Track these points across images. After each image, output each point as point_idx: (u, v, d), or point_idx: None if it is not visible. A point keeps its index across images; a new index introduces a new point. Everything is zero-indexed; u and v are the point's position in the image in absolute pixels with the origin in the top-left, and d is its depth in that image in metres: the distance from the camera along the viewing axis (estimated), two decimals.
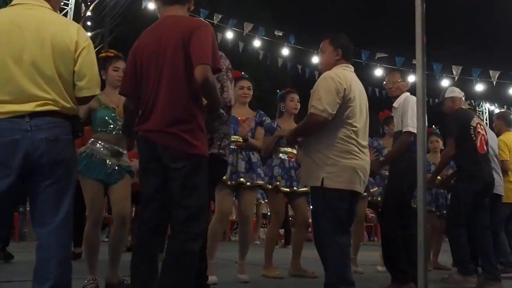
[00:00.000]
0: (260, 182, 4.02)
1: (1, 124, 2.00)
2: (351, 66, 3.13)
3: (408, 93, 3.83)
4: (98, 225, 3.29)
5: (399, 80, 3.91)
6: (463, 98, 4.61)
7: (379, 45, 12.32)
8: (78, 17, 14.16)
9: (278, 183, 4.28)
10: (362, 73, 9.81)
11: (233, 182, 3.87)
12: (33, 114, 2.02)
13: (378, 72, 11.60)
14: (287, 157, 4.42)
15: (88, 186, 3.21)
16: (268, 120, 4.30)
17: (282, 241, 9.41)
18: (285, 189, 4.32)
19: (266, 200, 9.73)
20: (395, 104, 3.82)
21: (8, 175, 1.99)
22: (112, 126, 3.26)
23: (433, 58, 11.35)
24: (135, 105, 2.49)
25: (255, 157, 4.06)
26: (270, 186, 4.32)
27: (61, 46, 2.10)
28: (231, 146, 3.67)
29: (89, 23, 14.85)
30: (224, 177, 3.70)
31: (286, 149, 4.41)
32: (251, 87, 4.16)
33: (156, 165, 2.36)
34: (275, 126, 4.38)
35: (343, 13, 22.10)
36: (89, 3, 14.64)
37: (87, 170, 3.18)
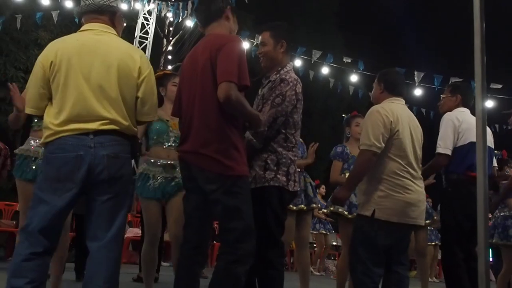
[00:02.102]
0: (319, 205, 4.00)
1: (68, 140, 2.17)
2: (399, 99, 3.13)
3: (457, 109, 3.63)
4: (155, 243, 3.36)
5: (445, 96, 3.76)
6: None
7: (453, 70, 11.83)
8: (159, 51, 15.00)
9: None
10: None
11: (305, 208, 3.85)
12: (97, 132, 2.18)
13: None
14: None
15: (144, 206, 3.34)
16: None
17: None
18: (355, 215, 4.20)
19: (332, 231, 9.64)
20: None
21: (71, 189, 2.14)
22: (165, 137, 3.36)
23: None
24: (182, 128, 2.52)
25: (312, 181, 4.06)
26: (350, 216, 4.12)
27: (126, 71, 2.27)
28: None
29: (169, 57, 15.57)
30: (301, 205, 3.74)
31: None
32: None
33: (194, 185, 2.38)
34: (347, 151, 4.22)
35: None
36: (171, 38, 15.44)
37: (143, 190, 3.31)
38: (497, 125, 11.39)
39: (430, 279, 8.55)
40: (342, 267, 4.41)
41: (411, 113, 3.19)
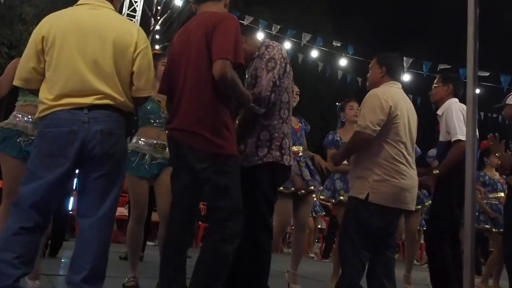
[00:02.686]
0: (321, 188, 4.00)
1: (62, 115, 2.14)
2: (398, 83, 3.13)
3: (453, 99, 3.66)
4: (141, 222, 3.35)
5: (436, 85, 3.77)
6: None
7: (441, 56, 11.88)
8: (147, 30, 14.80)
9: (342, 197, 4.17)
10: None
11: (303, 192, 3.84)
12: (91, 107, 2.15)
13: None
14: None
15: (132, 184, 3.31)
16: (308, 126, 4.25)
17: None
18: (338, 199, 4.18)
19: (324, 213, 9.72)
20: (438, 112, 3.69)
21: (63, 164, 2.11)
22: (155, 118, 3.34)
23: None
24: (171, 104, 2.49)
25: (311, 163, 4.03)
26: (334, 201, 4.24)
27: (122, 46, 2.24)
28: None
29: (157, 37, 15.39)
30: (293, 188, 3.73)
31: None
32: (299, 93, 4.12)
33: (183, 164, 2.36)
34: (337, 138, 4.27)
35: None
36: (158, 17, 15.23)
37: (131, 168, 3.27)
38: (482, 113, 11.52)
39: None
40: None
41: (408, 98, 3.18)
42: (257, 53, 2.74)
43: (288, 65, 2.73)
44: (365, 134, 2.90)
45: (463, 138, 3.32)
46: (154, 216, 5.19)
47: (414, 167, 3.05)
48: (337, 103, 4.84)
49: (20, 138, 2.90)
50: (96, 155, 2.14)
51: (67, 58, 2.19)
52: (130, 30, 2.31)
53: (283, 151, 2.65)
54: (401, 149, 2.93)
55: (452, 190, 3.43)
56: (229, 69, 2.21)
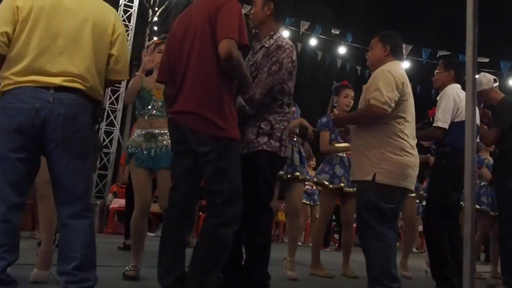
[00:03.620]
0: (308, 177, 3.98)
1: (27, 91, 2.06)
2: (400, 62, 3.07)
3: (454, 85, 3.63)
4: (145, 213, 3.35)
5: (438, 71, 3.75)
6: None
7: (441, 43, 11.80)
8: (145, 22, 14.70)
9: (342, 184, 4.16)
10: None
11: (288, 176, 3.84)
12: (58, 88, 2.08)
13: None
14: (346, 154, 4.27)
15: (134, 175, 3.32)
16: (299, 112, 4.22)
17: (336, 244, 9.35)
18: (350, 190, 4.15)
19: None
20: (438, 97, 3.68)
21: (21, 142, 2.03)
22: (148, 107, 3.33)
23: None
24: (171, 91, 2.44)
25: (303, 150, 4.03)
26: (331, 186, 4.21)
27: (101, 27, 2.20)
28: None
29: (155, 28, 15.30)
30: (281, 172, 3.71)
31: (342, 144, 4.22)
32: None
33: (185, 148, 2.34)
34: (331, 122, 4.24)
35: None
36: (156, 8, 15.13)
37: (133, 160, 3.31)
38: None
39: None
40: (316, 235, 4.51)
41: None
42: (268, 43, 2.73)
43: (295, 69, 2.74)
44: (382, 109, 2.80)
45: (441, 125, 3.33)
46: (154, 208, 5.19)
47: (415, 148, 2.98)
48: (334, 82, 4.79)
49: None
50: (57, 139, 2.06)
51: (40, 35, 2.11)
52: (108, 14, 2.28)
53: (282, 143, 2.68)
54: (405, 127, 2.87)
55: (446, 175, 3.43)
56: (235, 48, 2.20)
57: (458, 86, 3.64)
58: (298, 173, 3.86)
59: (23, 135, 2.04)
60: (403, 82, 2.87)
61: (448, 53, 9.90)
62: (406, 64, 10.66)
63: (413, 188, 2.97)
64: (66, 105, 2.08)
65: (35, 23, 2.11)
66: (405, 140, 2.85)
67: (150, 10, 15.13)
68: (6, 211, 2.02)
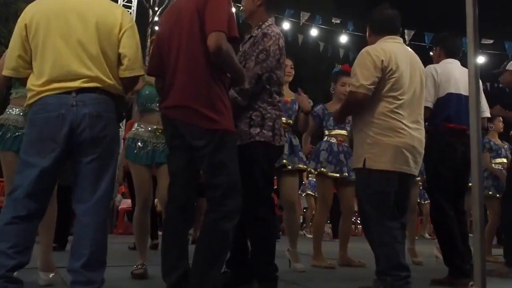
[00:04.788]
0: (302, 166, 3.91)
1: (49, 100, 2.12)
2: (395, 37, 2.94)
3: (446, 60, 3.53)
4: (147, 209, 3.33)
5: (432, 53, 3.70)
6: None
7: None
8: (145, 22, 14.69)
9: (323, 169, 4.14)
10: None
11: (276, 166, 3.80)
12: (79, 90, 2.13)
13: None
14: (336, 140, 4.26)
15: (134, 171, 3.31)
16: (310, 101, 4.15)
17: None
18: (334, 174, 4.16)
19: None
20: None
21: (54, 149, 2.09)
22: (154, 103, 3.30)
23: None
24: (163, 84, 2.42)
25: (296, 141, 3.97)
26: (314, 172, 4.21)
27: (106, 27, 2.21)
28: None
29: (156, 28, 15.25)
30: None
31: (335, 131, 4.26)
32: (293, 67, 4.07)
33: (180, 143, 2.32)
34: (326, 111, 4.28)
35: None
36: (156, 9, 15.10)
37: (133, 155, 3.28)
38: (488, 84, 11.31)
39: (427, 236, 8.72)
40: (318, 224, 4.47)
41: (411, 51, 2.98)
42: (255, 32, 2.71)
43: (282, 56, 2.71)
44: (359, 94, 2.72)
45: (426, 104, 3.15)
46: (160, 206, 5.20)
47: (418, 126, 2.82)
48: (336, 64, 4.70)
49: (11, 131, 2.86)
50: (86, 139, 2.11)
51: (51, 44, 2.17)
52: (114, 12, 2.27)
53: (275, 131, 2.65)
54: (397, 105, 2.72)
55: (433, 155, 3.31)
56: (224, 41, 2.17)
57: (448, 61, 3.52)
58: (285, 161, 3.76)
59: (55, 142, 2.10)
60: (382, 60, 2.72)
61: None
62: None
63: (414, 173, 2.81)
64: (89, 105, 2.13)
65: (45, 34, 2.18)
66: (396, 119, 2.70)
67: (150, 10, 15.11)
68: (25, 217, 2.08)
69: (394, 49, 2.82)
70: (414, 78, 2.85)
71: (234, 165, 2.29)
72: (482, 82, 3.31)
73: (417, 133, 2.80)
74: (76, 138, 2.11)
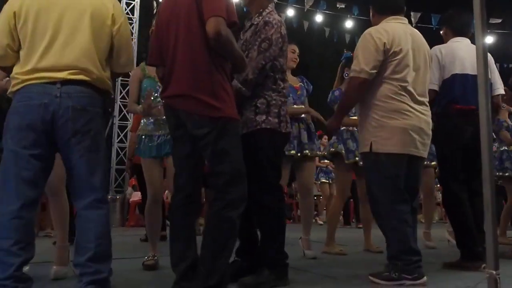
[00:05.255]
0: (320, 153, 3.92)
1: (34, 88, 2.08)
2: (399, 17, 2.88)
3: (453, 39, 3.45)
4: (158, 201, 3.36)
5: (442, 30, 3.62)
6: None
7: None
8: (150, 13, 14.64)
9: (357, 158, 4.03)
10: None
11: (298, 154, 3.78)
12: (65, 82, 2.09)
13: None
14: (357, 128, 4.22)
15: (144, 165, 3.33)
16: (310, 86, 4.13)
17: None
18: (351, 161, 4.13)
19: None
20: None
21: (34, 138, 2.04)
22: (155, 94, 3.28)
23: None
24: (163, 73, 2.39)
25: (312, 127, 3.96)
26: (346, 161, 4.12)
27: (99, 18, 2.18)
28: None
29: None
30: (292, 151, 3.69)
31: (354, 117, 4.05)
32: (299, 54, 4.01)
33: (183, 132, 2.30)
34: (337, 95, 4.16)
35: None
36: (160, 0, 15.03)
37: (142, 151, 3.32)
38: (497, 64, 11.14)
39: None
40: (333, 212, 4.44)
41: (415, 31, 2.92)
42: (256, 20, 2.68)
43: (285, 44, 2.69)
44: (360, 78, 2.69)
45: (431, 87, 3.10)
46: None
47: (426, 107, 2.79)
48: (345, 50, 4.57)
49: None
50: (67, 132, 2.06)
51: (41, 34, 2.12)
52: (106, 3, 2.24)
53: (281, 118, 2.63)
54: (400, 86, 2.69)
55: (440, 137, 3.31)
56: (223, 26, 2.14)
57: (456, 39, 3.44)
58: (307, 151, 3.78)
59: (35, 131, 2.05)
60: (384, 42, 2.68)
61: None
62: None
63: (422, 155, 2.78)
64: (74, 97, 2.08)
65: (35, 23, 2.12)
66: (401, 101, 2.67)
67: (154, 2, 15.05)
68: (20, 208, 2.03)
69: (397, 30, 2.78)
70: (419, 59, 2.80)
71: (237, 153, 2.26)
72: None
73: (423, 115, 2.77)
74: (58, 130, 2.06)
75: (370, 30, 2.81)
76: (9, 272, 1.95)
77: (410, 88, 2.72)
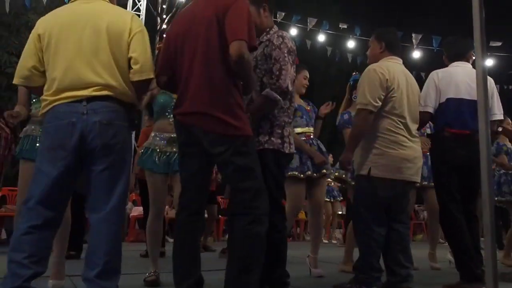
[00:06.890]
0: (332, 171, 4.04)
1: (61, 108, 2.15)
2: (397, 58, 3.17)
3: (452, 64, 3.56)
4: (160, 217, 3.37)
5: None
6: None
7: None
8: (153, 30, 14.79)
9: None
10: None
11: (317, 174, 3.82)
12: (90, 99, 2.15)
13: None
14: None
15: (150, 180, 3.32)
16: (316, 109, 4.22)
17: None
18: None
19: (342, 198, 9.64)
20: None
21: (64, 157, 2.11)
22: (169, 110, 3.28)
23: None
24: (167, 77, 2.42)
25: (322, 146, 4.01)
26: (353, 183, 4.02)
27: (116, 33, 2.23)
28: (302, 138, 3.78)
29: (165, 36, 15.27)
30: (308, 172, 3.74)
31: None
32: (308, 78, 4.11)
33: (196, 150, 2.29)
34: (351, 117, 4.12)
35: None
36: (164, 16, 15.19)
37: (148, 165, 3.31)
38: (497, 85, 11.20)
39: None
40: (351, 234, 4.45)
41: (408, 72, 3.21)
42: (266, 37, 2.67)
43: (295, 57, 2.73)
44: (367, 110, 2.96)
45: (421, 109, 3.29)
46: (172, 214, 5.22)
47: (418, 139, 3.12)
48: (354, 72, 4.58)
49: (38, 142, 2.88)
50: (96, 147, 2.12)
51: (63, 54, 2.20)
52: (123, 17, 2.30)
53: (284, 139, 2.64)
54: (399, 121, 3.00)
55: (437, 159, 3.48)
56: (246, 50, 2.16)
57: (453, 64, 3.54)
58: (324, 170, 3.87)
59: (65, 151, 2.11)
60: (387, 79, 2.97)
61: None
62: (417, 54, 10.55)
63: (415, 180, 3.09)
64: (100, 113, 2.14)
65: (57, 44, 2.21)
66: (399, 134, 2.98)
67: (158, 18, 15.21)
68: (38, 225, 2.09)
69: (396, 69, 3.08)
70: (412, 97, 3.10)
71: (258, 169, 2.30)
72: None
73: (416, 145, 3.09)
74: (87, 146, 2.12)
75: (374, 67, 3.07)
76: (18, 283, 2.00)
77: (406, 122, 3.02)
